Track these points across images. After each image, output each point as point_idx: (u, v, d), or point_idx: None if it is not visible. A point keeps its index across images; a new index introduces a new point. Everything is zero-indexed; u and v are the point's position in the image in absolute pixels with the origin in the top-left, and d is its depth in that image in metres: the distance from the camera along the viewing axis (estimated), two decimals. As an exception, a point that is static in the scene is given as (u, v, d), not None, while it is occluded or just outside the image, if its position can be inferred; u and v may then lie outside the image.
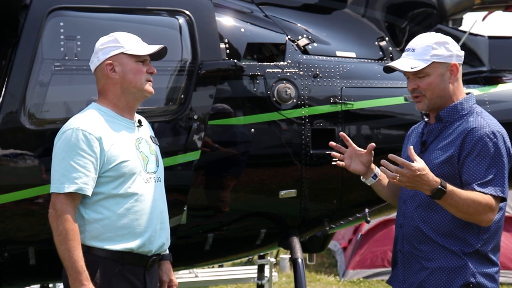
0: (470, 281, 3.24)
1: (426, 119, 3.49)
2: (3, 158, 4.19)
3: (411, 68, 3.34)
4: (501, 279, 8.38)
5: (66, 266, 3.24)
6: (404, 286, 3.42)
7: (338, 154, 3.57)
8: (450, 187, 3.14)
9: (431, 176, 3.12)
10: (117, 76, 3.43)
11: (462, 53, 3.41)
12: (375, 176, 3.55)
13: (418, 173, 3.07)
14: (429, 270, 3.30)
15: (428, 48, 3.33)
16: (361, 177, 3.59)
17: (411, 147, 3.16)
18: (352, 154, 3.55)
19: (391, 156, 3.13)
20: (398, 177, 3.08)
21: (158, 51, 3.53)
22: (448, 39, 3.39)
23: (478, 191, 3.17)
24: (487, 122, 3.28)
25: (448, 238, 3.27)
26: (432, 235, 3.29)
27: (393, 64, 3.42)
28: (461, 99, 3.38)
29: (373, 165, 3.55)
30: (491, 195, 3.17)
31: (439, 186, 3.11)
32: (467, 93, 3.44)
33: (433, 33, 3.45)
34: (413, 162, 3.10)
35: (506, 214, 8.74)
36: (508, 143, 3.30)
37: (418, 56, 3.34)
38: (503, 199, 3.23)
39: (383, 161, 3.11)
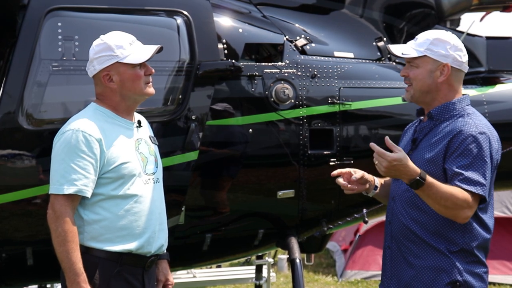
0: (457, 279, 3.24)
1: (421, 118, 3.50)
2: (1, 159, 4.18)
3: (402, 53, 3.39)
4: (502, 281, 8.42)
5: (64, 268, 3.23)
6: (391, 282, 3.42)
7: (345, 183, 3.47)
8: (430, 179, 3.14)
9: (411, 166, 3.13)
10: (115, 85, 3.39)
11: (465, 58, 3.39)
12: (376, 187, 3.55)
13: (395, 163, 3.11)
14: (416, 268, 3.30)
15: (427, 41, 3.35)
16: (363, 193, 3.56)
17: (387, 137, 3.20)
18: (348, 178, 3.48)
19: (372, 144, 3.18)
20: (377, 162, 3.16)
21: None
22: (453, 41, 3.35)
23: (459, 187, 3.17)
24: (475, 124, 3.27)
25: (434, 236, 3.27)
26: (419, 232, 3.29)
27: (390, 46, 3.51)
28: (454, 100, 3.38)
29: (370, 177, 3.52)
30: (470, 192, 3.16)
31: (418, 177, 3.12)
32: (463, 95, 3.43)
33: (444, 31, 3.45)
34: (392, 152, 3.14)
35: (505, 215, 8.73)
36: (495, 145, 3.28)
37: (415, 46, 3.38)
38: (483, 200, 3.21)
39: (371, 144, 3.17)
